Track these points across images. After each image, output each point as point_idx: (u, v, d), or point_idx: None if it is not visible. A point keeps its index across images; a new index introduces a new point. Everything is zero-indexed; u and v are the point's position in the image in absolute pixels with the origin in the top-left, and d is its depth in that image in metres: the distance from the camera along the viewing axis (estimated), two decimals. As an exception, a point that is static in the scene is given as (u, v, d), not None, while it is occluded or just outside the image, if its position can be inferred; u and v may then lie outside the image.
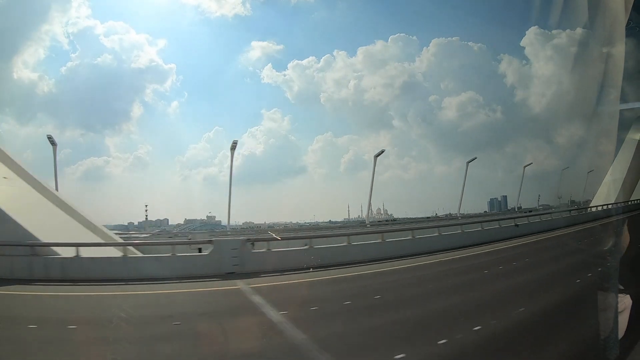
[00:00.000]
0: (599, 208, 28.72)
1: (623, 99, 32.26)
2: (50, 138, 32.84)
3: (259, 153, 79.32)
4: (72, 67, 71.72)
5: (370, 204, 40.29)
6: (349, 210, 72.14)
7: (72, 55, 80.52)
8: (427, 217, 49.29)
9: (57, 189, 33.60)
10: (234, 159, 34.68)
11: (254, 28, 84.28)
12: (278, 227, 46.25)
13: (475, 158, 39.75)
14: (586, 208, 31.85)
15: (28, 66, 74.14)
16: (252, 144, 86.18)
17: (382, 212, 77.60)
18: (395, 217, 56.78)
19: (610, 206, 27.22)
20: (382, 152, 38.03)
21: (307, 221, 58.42)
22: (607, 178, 30.26)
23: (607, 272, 5.52)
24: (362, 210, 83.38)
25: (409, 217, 52.62)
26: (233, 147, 36.49)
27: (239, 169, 79.72)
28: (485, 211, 40.46)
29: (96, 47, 71.33)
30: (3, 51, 61.04)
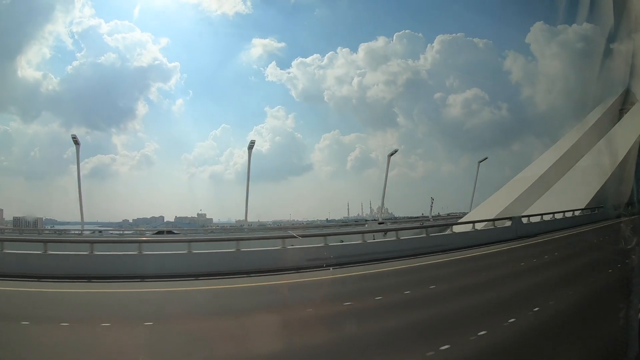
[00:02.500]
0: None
1: (632, 96, 32.31)
2: (74, 138, 33.43)
3: (265, 151, 79.13)
4: (77, 65, 71.05)
5: (383, 203, 40.79)
6: (348, 209, 72.35)
7: (78, 54, 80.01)
8: (415, 217, 48.97)
9: (79, 186, 33.42)
10: (240, 157, 35.23)
11: (255, 26, 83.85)
12: (269, 226, 46.02)
13: (487, 158, 40.13)
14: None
15: (32, 65, 73.35)
16: (258, 142, 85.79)
17: (382, 210, 78.03)
18: (396, 215, 57.06)
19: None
20: (396, 151, 38.92)
21: (302, 219, 58.33)
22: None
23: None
24: (362, 209, 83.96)
25: (409, 216, 53.06)
26: (250, 147, 37.00)
27: (244, 166, 79.15)
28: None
29: (100, 46, 70.92)
30: (7, 50, 60.36)
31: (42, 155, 76.70)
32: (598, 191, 26.86)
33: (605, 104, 34.12)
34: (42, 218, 61.07)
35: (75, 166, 34.64)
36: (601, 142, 31.58)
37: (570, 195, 27.47)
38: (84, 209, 34.47)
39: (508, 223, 21.09)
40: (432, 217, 42.65)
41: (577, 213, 25.36)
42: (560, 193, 29.17)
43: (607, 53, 30.46)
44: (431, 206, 45.35)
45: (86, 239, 18.26)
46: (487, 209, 30.13)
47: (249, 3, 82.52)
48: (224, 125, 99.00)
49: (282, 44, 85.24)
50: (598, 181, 27.76)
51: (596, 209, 26.10)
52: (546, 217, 23.40)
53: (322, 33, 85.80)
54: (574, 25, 48.47)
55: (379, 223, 37.46)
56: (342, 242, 15.90)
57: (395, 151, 37.74)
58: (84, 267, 11.55)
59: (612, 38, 30.20)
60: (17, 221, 61.19)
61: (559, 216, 24.16)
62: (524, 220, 22.57)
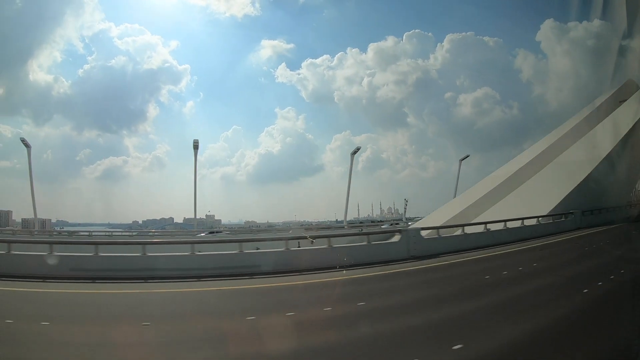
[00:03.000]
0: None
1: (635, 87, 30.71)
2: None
3: (276, 152, 79.30)
4: (88, 69, 71.65)
5: (406, 204, 39.58)
6: (358, 210, 72.13)
7: (89, 57, 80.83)
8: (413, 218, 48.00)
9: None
10: (251, 158, 35.32)
11: (264, 28, 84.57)
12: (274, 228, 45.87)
13: (468, 156, 40.40)
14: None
15: (43, 68, 74.28)
16: (269, 143, 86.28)
17: (392, 211, 77.69)
18: (408, 216, 56.67)
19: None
20: (358, 149, 38.12)
21: (311, 220, 58.30)
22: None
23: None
24: (372, 209, 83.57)
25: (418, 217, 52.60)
26: (354, 152, 37.24)
27: (255, 167, 79.44)
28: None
29: (111, 49, 71.67)
30: (19, 54, 60.94)
31: (54, 158, 77.34)
32: (571, 193, 22.75)
33: (605, 95, 31.39)
34: (50, 219, 61.25)
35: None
36: (588, 135, 27.99)
37: (539, 198, 22.95)
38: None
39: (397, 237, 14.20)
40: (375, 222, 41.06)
41: (539, 220, 19.64)
42: (526, 195, 24.59)
43: (621, 50, 29.96)
44: (405, 208, 44.65)
45: (93, 240, 17.33)
46: (440, 215, 25.72)
47: (257, 5, 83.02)
48: (235, 126, 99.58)
49: (291, 45, 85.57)
50: (573, 182, 23.53)
51: (564, 215, 21.34)
52: (496, 226, 17.09)
53: (331, 34, 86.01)
54: (585, 22, 47.89)
55: (393, 224, 37.06)
56: (258, 249, 13.40)
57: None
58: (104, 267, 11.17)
59: (624, 35, 29.74)
60: (25, 223, 61.52)
61: (515, 224, 17.85)
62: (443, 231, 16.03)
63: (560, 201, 22.17)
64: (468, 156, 40.51)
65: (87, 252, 11.33)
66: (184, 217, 69.84)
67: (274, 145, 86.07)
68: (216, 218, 64.75)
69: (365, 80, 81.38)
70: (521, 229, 18.07)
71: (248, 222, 59.05)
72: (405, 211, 43.68)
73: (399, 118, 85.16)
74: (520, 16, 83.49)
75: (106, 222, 33.98)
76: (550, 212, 21.38)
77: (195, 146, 34.56)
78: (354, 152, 36.28)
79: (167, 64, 77.65)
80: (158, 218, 64.77)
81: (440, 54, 76.46)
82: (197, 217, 66.95)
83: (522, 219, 18.58)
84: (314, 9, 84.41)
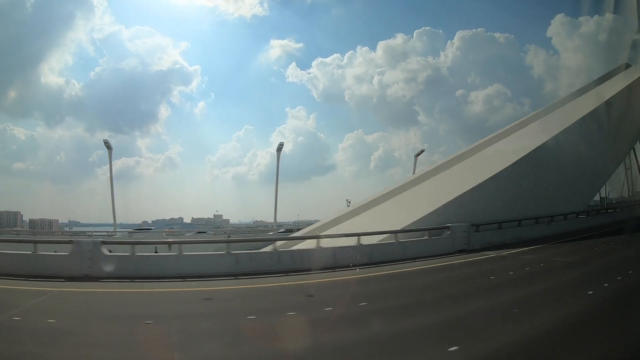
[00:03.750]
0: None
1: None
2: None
3: (288, 151, 79.07)
4: (99, 71, 71.70)
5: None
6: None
7: (100, 60, 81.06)
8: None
9: (112, 186, 33.49)
10: (263, 158, 35.22)
11: (272, 28, 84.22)
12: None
13: (424, 151, 40.84)
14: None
15: (54, 71, 74.16)
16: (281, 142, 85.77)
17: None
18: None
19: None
20: (422, 151, 39.38)
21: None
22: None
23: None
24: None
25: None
26: (279, 149, 37.02)
27: (267, 167, 79.31)
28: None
29: (122, 51, 71.54)
30: (30, 58, 61.09)
31: (67, 159, 77.47)
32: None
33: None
34: (57, 220, 61.20)
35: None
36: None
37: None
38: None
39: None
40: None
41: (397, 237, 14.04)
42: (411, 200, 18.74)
43: (633, 44, 29.38)
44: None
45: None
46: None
47: (265, 5, 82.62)
48: (247, 126, 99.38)
49: (300, 45, 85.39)
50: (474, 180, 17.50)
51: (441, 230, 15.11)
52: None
53: (340, 32, 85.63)
54: (596, 17, 47.12)
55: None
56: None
57: (422, 151, 37.36)
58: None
59: (638, 28, 29.24)
60: (33, 223, 61.34)
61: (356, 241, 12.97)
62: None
63: (434, 210, 15.98)
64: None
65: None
66: (192, 217, 69.94)
67: (286, 145, 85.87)
68: (224, 217, 64.73)
69: (376, 78, 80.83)
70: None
71: (256, 221, 58.96)
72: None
73: (409, 116, 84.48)
74: (531, 11, 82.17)
75: (118, 222, 33.76)
76: (411, 224, 15.19)
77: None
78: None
79: (177, 65, 77.60)
80: (167, 218, 64.97)
81: (451, 51, 75.32)
82: (205, 217, 66.96)
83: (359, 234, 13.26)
84: (322, 8, 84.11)
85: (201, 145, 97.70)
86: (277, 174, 37.16)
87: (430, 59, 77.89)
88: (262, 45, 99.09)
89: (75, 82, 77.96)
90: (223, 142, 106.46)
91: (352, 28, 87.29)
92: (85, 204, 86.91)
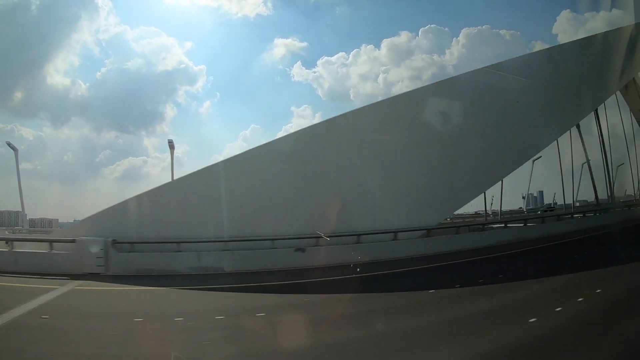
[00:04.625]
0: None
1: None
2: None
3: None
4: (105, 72, 71.85)
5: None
6: None
7: (106, 61, 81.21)
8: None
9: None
10: None
11: (276, 27, 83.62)
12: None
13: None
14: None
15: (60, 72, 74.29)
16: None
17: None
18: None
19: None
20: None
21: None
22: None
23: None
24: None
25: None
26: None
27: None
28: (521, 207, 37.13)
29: (127, 51, 71.51)
30: (35, 58, 61.19)
31: (74, 159, 77.61)
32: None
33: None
34: (57, 219, 61.14)
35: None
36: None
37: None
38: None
39: None
40: None
41: None
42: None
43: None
44: None
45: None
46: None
47: (269, 4, 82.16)
48: (253, 125, 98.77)
49: (305, 44, 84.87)
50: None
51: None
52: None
53: (345, 31, 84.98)
54: (602, 12, 46.37)
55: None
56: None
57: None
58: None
59: None
60: (32, 222, 61.27)
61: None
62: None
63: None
64: None
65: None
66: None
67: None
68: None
69: (381, 77, 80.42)
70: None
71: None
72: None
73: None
74: (536, 8, 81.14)
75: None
76: None
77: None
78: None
79: (182, 65, 77.56)
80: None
81: (456, 48, 74.36)
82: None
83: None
84: (326, 6, 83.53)
85: (208, 144, 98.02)
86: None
87: (435, 56, 77.34)
88: (266, 44, 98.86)
89: (81, 82, 78.10)
90: (229, 141, 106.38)
91: (357, 26, 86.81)
92: (91, 204, 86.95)
